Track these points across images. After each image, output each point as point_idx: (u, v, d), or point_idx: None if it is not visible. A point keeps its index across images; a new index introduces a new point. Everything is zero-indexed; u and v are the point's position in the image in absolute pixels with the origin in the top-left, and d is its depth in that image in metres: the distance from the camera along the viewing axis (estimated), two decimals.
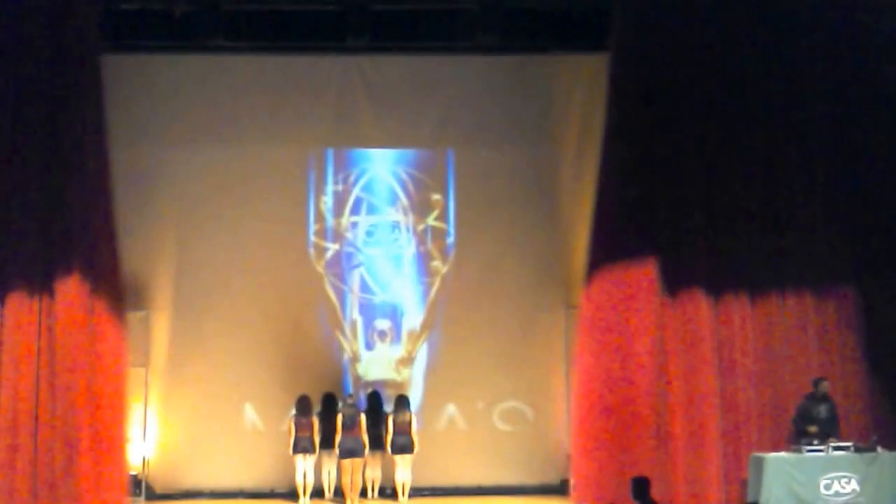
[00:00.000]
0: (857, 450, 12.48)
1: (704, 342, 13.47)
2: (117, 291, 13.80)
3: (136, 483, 14.38)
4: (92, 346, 13.42)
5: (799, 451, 12.49)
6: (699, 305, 13.55)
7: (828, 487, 12.34)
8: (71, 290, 13.36)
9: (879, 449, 12.52)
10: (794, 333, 13.72)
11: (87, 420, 13.22)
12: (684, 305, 13.54)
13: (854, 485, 12.36)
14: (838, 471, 12.36)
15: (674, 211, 13.64)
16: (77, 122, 13.60)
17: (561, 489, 14.65)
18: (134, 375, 14.55)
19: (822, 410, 12.79)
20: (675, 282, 13.58)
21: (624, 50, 13.83)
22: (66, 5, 13.65)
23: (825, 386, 12.87)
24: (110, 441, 13.40)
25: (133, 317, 14.63)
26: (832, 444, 12.45)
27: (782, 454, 12.61)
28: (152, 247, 14.93)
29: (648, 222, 13.60)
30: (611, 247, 13.59)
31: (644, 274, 13.49)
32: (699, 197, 13.69)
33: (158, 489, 14.61)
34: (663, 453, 13.22)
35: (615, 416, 13.30)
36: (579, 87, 15.16)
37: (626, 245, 13.54)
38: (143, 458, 14.51)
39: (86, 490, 13.09)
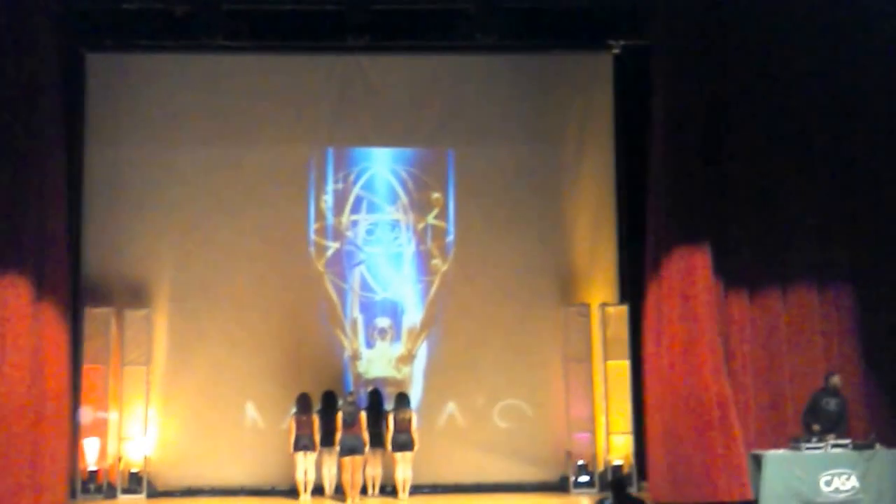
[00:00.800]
0: (856, 447, 12.58)
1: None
2: (66, 291, 13.85)
3: (138, 480, 14.47)
4: (37, 345, 13.38)
5: (798, 448, 12.58)
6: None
7: (828, 484, 12.44)
8: (18, 287, 13.27)
9: (878, 446, 12.63)
10: (794, 332, 13.76)
11: (30, 423, 13.16)
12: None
13: (854, 481, 12.47)
14: (838, 468, 12.47)
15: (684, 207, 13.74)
16: (37, 121, 13.52)
17: (560, 486, 14.72)
18: (135, 374, 14.70)
19: (832, 404, 12.89)
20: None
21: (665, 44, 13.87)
22: (34, 3, 13.61)
23: (836, 380, 12.96)
24: (52, 441, 13.39)
25: (134, 315, 14.77)
26: (831, 442, 12.55)
27: (781, 451, 12.70)
28: (152, 246, 14.99)
29: (700, 215, 13.62)
30: (667, 240, 13.59)
31: (699, 265, 13.49)
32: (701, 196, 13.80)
33: (160, 486, 14.65)
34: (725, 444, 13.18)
35: (682, 407, 13.22)
36: (579, 86, 15.30)
37: (680, 238, 13.52)
38: (144, 456, 14.56)
39: (22, 490, 13.01)
